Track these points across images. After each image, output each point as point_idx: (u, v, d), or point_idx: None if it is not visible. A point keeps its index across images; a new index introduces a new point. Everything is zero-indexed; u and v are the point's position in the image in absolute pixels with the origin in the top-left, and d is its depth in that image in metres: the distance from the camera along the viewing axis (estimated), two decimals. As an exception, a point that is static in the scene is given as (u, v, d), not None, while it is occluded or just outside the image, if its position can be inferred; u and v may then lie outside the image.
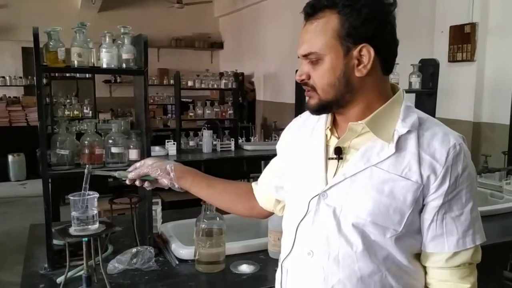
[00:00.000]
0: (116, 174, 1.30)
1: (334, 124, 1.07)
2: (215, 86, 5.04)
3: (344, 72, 0.96)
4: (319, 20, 0.96)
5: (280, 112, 6.84)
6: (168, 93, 8.75)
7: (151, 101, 8.54)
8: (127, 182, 1.29)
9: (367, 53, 0.95)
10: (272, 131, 5.73)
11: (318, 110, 1.02)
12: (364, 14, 0.93)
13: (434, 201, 0.95)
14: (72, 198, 1.34)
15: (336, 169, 1.00)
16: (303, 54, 0.99)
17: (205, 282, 1.55)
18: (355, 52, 0.95)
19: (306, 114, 1.16)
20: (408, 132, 0.96)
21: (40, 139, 1.54)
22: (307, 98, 1.04)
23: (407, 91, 2.94)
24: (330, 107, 1.01)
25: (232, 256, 1.70)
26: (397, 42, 1.00)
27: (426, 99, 3.00)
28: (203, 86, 4.98)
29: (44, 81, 6.27)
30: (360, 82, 0.98)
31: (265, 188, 1.27)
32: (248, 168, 4.26)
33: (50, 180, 1.68)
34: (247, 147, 4.59)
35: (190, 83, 4.91)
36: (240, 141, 4.76)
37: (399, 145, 0.96)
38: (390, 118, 0.98)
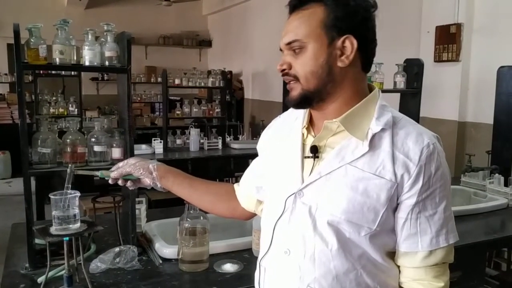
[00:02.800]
0: (98, 173, 1.29)
1: (311, 123, 1.07)
2: (203, 84, 5.02)
3: (327, 60, 0.97)
4: (305, 11, 0.98)
5: (268, 111, 6.84)
6: (156, 91, 8.72)
7: (139, 99, 8.50)
8: (110, 181, 1.29)
9: (350, 45, 0.97)
10: (260, 130, 5.69)
11: (300, 102, 1.01)
12: (349, 7, 0.96)
13: (408, 200, 0.96)
14: (52, 197, 1.32)
15: (312, 168, 1.01)
16: (287, 42, 0.99)
17: (188, 281, 1.55)
18: (339, 43, 0.97)
19: (285, 114, 1.17)
20: (382, 130, 0.97)
21: (21, 137, 1.51)
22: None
23: (392, 91, 2.96)
24: (312, 99, 1.00)
25: (216, 255, 1.69)
26: (376, 42, 1.02)
27: (410, 99, 3.03)
28: (190, 84, 4.95)
29: (30, 78, 6.20)
30: (342, 74, 0.99)
31: (247, 189, 1.27)
32: (235, 166, 4.25)
33: (34, 179, 1.66)
34: (235, 145, 4.57)
35: (177, 81, 4.89)
36: (228, 139, 4.75)
37: (373, 144, 0.97)
38: (365, 117, 0.99)
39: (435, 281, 1.00)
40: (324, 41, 0.97)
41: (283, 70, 1.01)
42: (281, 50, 1.03)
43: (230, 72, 7.87)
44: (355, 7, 0.97)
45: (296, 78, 0.99)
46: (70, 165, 1.31)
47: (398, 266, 1.03)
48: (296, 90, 1.00)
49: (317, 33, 0.96)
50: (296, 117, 1.10)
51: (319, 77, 0.98)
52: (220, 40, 9.37)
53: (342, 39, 0.96)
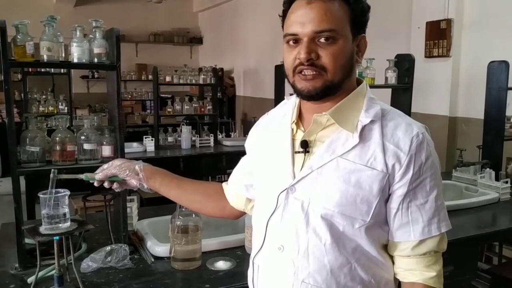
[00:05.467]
0: (83, 176, 1.27)
1: (300, 118, 1.07)
2: (194, 81, 5.00)
3: (352, 56, 0.98)
4: (333, 2, 0.95)
5: (260, 108, 6.83)
6: (147, 88, 8.66)
7: (130, 96, 8.44)
8: (95, 184, 1.27)
9: (364, 43, 1.00)
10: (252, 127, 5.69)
11: (323, 94, 0.96)
12: (363, 6, 0.98)
13: (399, 189, 0.96)
14: (42, 196, 1.30)
15: (303, 163, 1.00)
16: (320, 29, 0.93)
17: (180, 280, 1.54)
18: (357, 40, 0.99)
19: (273, 111, 1.16)
20: (372, 122, 0.97)
21: (8, 136, 1.49)
22: (298, 83, 0.97)
23: (383, 86, 2.97)
24: (334, 92, 0.98)
25: (209, 252, 1.69)
26: None
27: (402, 94, 3.04)
28: (181, 81, 4.92)
29: (19, 76, 6.14)
30: (354, 70, 1.01)
31: (235, 187, 1.26)
32: (227, 164, 4.24)
33: (24, 178, 1.64)
34: (227, 142, 4.57)
35: (168, 79, 4.86)
36: (220, 136, 4.74)
37: (363, 135, 0.97)
38: (354, 109, 0.99)
39: (426, 271, 1.00)
40: (350, 37, 0.97)
41: (310, 59, 0.94)
42: (292, 35, 0.96)
43: (222, 69, 7.85)
44: (366, 7, 0.99)
45: (322, 69, 0.94)
46: (53, 170, 1.28)
47: (392, 258, 1.03)
48: (318, 82, 0.95)
49: (347, 27, 0.96)
50: (284, 113, 1.09)
51: (346, 71, 0.98)
52: (211, 37, 9.32)
53: (359, 37, 0.99)
